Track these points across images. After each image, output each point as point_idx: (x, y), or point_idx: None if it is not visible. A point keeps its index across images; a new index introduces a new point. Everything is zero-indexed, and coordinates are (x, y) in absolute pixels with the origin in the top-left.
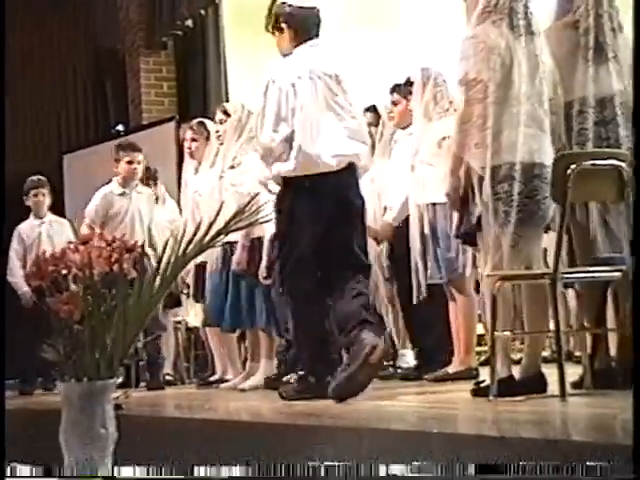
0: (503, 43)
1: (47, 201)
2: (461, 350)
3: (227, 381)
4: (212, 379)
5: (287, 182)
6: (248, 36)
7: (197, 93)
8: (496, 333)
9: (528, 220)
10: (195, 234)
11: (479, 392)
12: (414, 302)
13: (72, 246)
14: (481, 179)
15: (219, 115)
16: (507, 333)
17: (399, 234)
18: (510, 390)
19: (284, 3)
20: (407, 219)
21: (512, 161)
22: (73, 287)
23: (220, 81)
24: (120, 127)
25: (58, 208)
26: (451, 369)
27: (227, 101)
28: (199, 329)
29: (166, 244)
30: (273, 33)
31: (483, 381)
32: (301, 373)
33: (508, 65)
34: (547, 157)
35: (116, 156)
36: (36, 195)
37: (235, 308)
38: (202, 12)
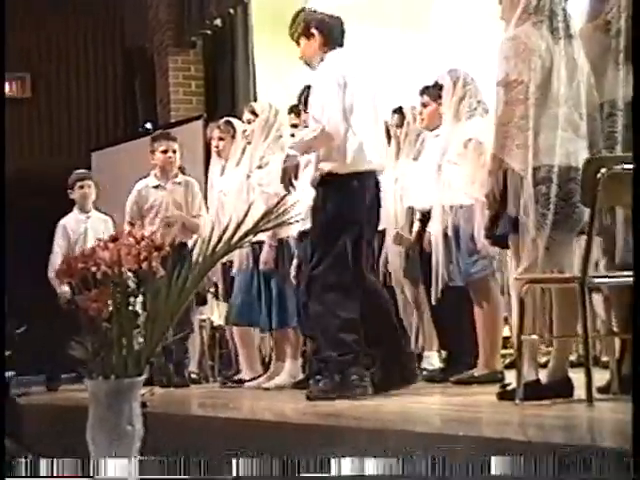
0: (543, 45)
1: (93, 195)
2: (486, 353)
3: (251, 380)
4: (236, 378)
5: (332, 180)
6: (277, 36)
7: (225, 92)
8: (523, 336)
9: (563, 223)
10: (224, 234)
11: (505, 395)
12: (433, 303)
13: (101, 244)
14: (520, 181)
15: (247, 115)
16: (534, 337)
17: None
18: (536, 394)
19: (314, 11)
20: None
21: (550, 163)
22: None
23: (248, 80)
24: (148, 125)
25: None
26: (476, 372)
27: (255, 100)
28: (224, 328)
29: (195, 243)
30: (298, 41)
31: (509, 384)
32: (326, 373)
33: (548, 67)
34: (581, 161)
35: (151, 147)
36: (82, 187)
37: (266, 307)
38: (231, 11)
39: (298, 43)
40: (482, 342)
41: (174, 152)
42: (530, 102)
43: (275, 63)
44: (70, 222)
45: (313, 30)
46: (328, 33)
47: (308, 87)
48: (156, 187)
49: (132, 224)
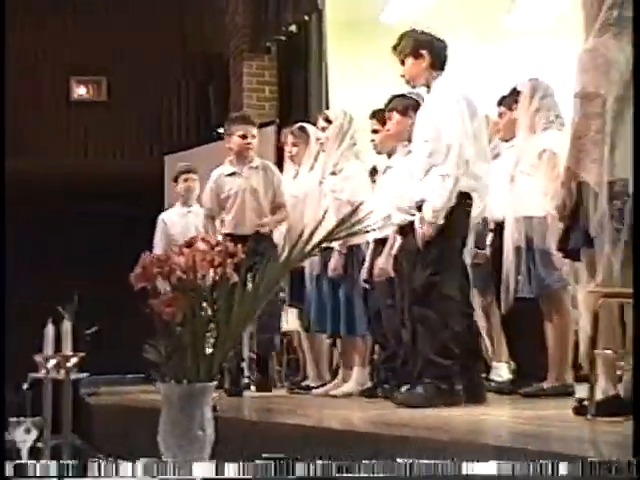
0: (623, 57)
1: (197, 189)
2: (556, 366)
3: (319, 387)
4: (304, 384)
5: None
6: (351, 45)
7: (298, 98)
8: (596, 351)
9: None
10: (298, 241)
11: (581, 410)
12: (503, 313)
13: (176, 249)
14: (595, 195)
15: (321, 122)
16: (608, 352)
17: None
18: (613, 409)
19: (422, 32)
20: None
21: (625, 178)
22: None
23: (321, 87)
24: (221, 130)
25: (158, 207)
26: (546, 384)
27: (327, 107)
28: (292, 333)
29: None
30: (404, 59)
31: (585, 399)
32: (428, 381)
33: (627, 80)
34: None
35: (228, 130)
36: (186, 180)
37: (334, 314)
38: (306, 18)
39: (403, 62)
40: (552, 355)
41: (253, 137)
42: (608, 115)
43: (348, 70)
44: (171, 216)
45: (423, 51)
46: (436, 55)
47: (397, 96)
48: (231, 174)
49: (211, 217)
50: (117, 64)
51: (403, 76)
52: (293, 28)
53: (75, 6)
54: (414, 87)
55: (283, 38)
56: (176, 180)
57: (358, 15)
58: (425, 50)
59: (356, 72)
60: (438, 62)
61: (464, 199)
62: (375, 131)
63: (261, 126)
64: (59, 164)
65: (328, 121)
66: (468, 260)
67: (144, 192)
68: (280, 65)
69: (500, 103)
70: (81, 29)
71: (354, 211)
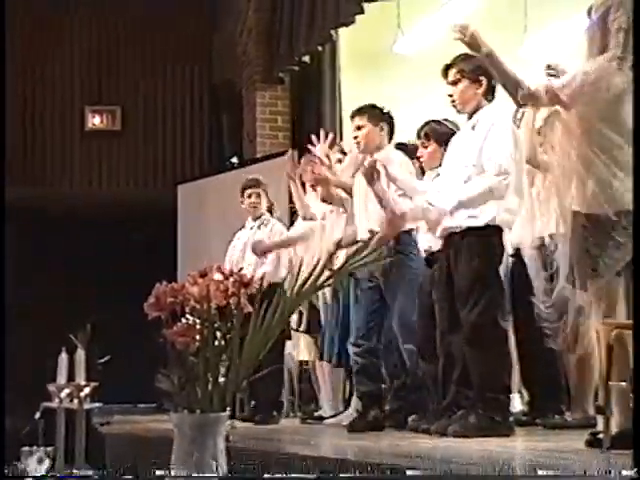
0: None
1: (263, 202)
2: (579, 397)
3: (332, 417)
4: (317, 414)
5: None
6: (365, 75)
7: (311, 129)
8: (611, 383)
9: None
10: (312, 272)
11: (594, 443)
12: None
13: (191, 279)
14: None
15: (336, 155)
16: (623, 383)
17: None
18: (626, 443)
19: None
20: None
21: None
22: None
23: (335, 118)
24: (234, 159)
25: (171, 236)
26: (569, 416)
27: (342, 139)
28: (305, 362)
29: (284, 281)
30: (457, 82)
31: (600, 432)
32: (479, 411)
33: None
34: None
35: (241, 197)
36: (250, 196)
37: (342, 344)
38: (319, 49)
39: (455, 83)
40: (575, 386)
41: (258, 196)
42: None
43: (362, 101)
44: (242, 233)
45: (481, 77)
46: (492, 84)
47: (434, 121)
48: (243, 228)
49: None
50: (131, 94)
51: (451, 96)
52: (306, 59)
53: (91, 37)
54: (459, 111)
55: (296, 68)
56: (242, 196)
57: (372, 46)
58: (484, 77)
59: (370, 102)
60: (491, 91)
61: (500, 231)
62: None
63: (275, 156)
64: (73, 193)
65: (343, 153)
66: None
67: (158, 221)
68: (293, 95)
69: None
70: (96, 60)
71: (367, 243)
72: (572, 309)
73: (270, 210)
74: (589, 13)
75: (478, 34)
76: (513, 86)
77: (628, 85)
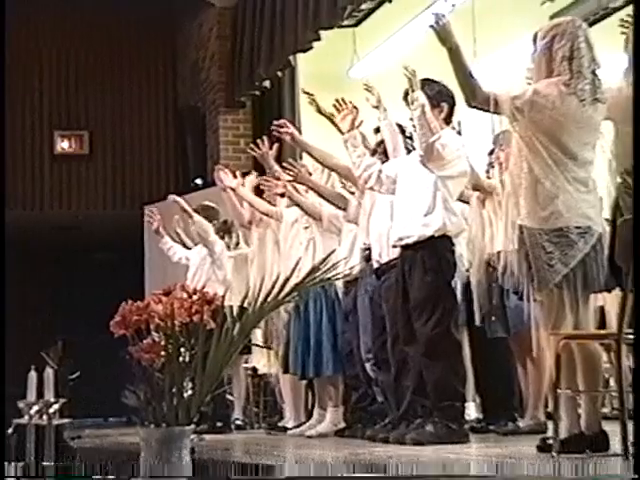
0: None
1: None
2: (532, 405)
3: (295, 427)
4: (280, 425)
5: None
6: (322, 99)
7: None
8: (559, 390)
9: (583, 282)
10: (272, 289)
11: (544, 448)
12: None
13: (155, 297)
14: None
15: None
16: (568, 391)
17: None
18: (575, 447)
19: (445, 86)
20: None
21: (568, 225)
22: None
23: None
24: (199, 181)
25: (139, 255)
26: (522, 423)
27: (301, 158)
28: (268, 375)
29: (244, 298)
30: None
31: (550, 437)
32: (435, 419)
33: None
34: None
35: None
36: None
37: (304, 356)
38: (279, 74)
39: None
40: (526, 394)
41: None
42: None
43: (320, 124)
44: (191, 253)
45: (443, 103)
46: (451, 111)
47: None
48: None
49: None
50: (98, 119)
51: (412, 120)
52: (267, 84)
53: (59, 65)
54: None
55: (257, 93)
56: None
57: (329, 71)
58: (445, 103)
59: (327, 127)
60: (450, 118)
61: (449, 239)
62: None
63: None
64: (42, 215)
65: (309, 173)
66: None
67: (125, 241)
68: (255, 119)
69: (494, 142)
70: (64, 86)
71: (325, 259)
72: (521, 320)
73: (223, 230)
74: (534, 40)
75: (450, 26)
76: (470, 87)
77: (575, 110)
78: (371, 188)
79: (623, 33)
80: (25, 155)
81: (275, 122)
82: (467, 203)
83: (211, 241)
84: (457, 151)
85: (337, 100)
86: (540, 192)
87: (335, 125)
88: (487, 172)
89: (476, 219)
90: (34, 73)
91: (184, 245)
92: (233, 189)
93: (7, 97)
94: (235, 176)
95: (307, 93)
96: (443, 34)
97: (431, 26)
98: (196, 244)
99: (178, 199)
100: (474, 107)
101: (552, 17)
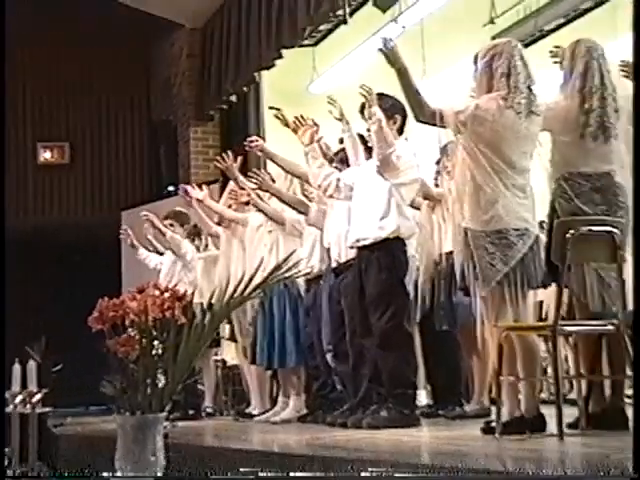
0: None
1: (179, 230)
2: (477, 391)
3: (261, 414)
4: (247, 412)
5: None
6: (285, 112)
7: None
8: (502, 377)
9: (522, 280)
10: (238, 286)
11: (488, 430)
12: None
13: (130, 294)
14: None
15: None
16: (511, 378)
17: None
18: (515, 429)
19: (397, 100)
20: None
21: (507, 227)
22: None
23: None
24: (171, 188)
25: (116, 256)
26: (468, 408)
27: (265, 168)
28: (236, 366)
29: (212, 295)
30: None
31: (493, 421)
32: (389, 405)
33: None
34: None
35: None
36: (171, 225)
37: (269, 348)
38: (245, 89)
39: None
40: (472, 381)
41: (172, 225)
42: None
43: (282, 135)
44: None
45: (397, 115)
46: (403, 122)
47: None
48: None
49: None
50: (78, 131)
51: (369, 130)
52: (233, 98)
53: (41, 80)
54: None
55: (225, 107)
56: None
57: (290, 86)
58: (398, 115)
59: (289, 137)
60: (402, 128)
61: (402, 241)
62: None
63: (208, 183)
64: (25, 221)
65: (272, 180)
66: None
67: (104, 243)
68: (223, 130)
69: (442, 152)
70: (47, 101)
71: (286, 259)
72: (467, 314)
73: (193, 233)
74: (475, 60)
75: (397, 49)
76: (418, 104)
77: (513, 122)
78: (330, 196)
79: (555, 61)
80: (10, 164)
81: (247, 139)
82: (418, 209)
83: (183, 253)
84: (409, 161)
85: (296, 117)
86: (482, 198)
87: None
88: (435, 180)
89: (426, 225)
90: (18, 90)
91: (157, 251)
92: (200, 201)
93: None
94: (201, 189)
95: (274, 108)
96: (391, 57)
97: (380, 49)
98: (166, 249)
99: (151, 217)
100: (422, 122)
101: (493, 38)
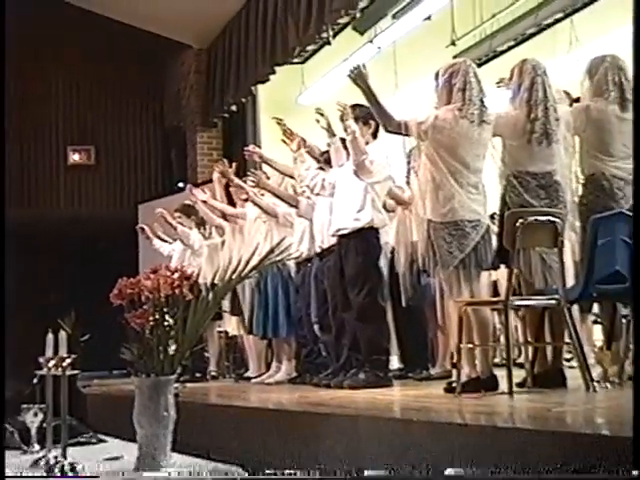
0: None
1: (187, 222)
2: (441, 357)
3: (257, 377)
4: (246, 375)
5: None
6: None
7: (238, 160)
8: (462, 345)
9: (476, 263)
10: (237, 267)
11: (449, 389)
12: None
13: (145, 275)
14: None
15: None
16: (470, 345)
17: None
18: (472, 388)
19: None
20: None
21: (461, 218)
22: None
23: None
24: (180, 184)
25: (134, 243)
26: (433, 371)
27: (260, 168)
28: (236, 336)
29: (215, 273)
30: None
31: (454, 381)
32: (366, 369)
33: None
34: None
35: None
36: (180, 217)
37: (265, 321)
38: (243, 100)
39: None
40: (437, 348)
41: (180, 217)
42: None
43: (274, 138)
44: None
45: (371, 121)
46: (378, 126)
47: None
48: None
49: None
50: (102, 137)
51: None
52: (234, 108)
53: (71, 93)
54: None
55: (226, 115)
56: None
57: (282, 98)
58: (372, 120)
59: (280, 141)
60: (376, 133)
61: (376, 230)
62: None
63: (211, 181)
64: (58, 213)
65: (267, 178)
66: None
67: (122, 232)
68: (224, 135)
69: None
70: (76, 110)
71: (278, 244)
72: (430, 291)
73: (200, 223)
74: (436, 77)
75: (363, 74)
76: (385, 118)
77: (467, 129)
78: (317, 194)
79: (499, 86)
80: (45, 165)
81: (245, 148)
82: (392, 212)
83: (191, 243)
84: (382, 162)
85: (285, 131)
86: (440, 195)
87: None
88: (407, 177)
89: (401, 225)
90: (51, 100)
91: (168, 241)
92: (205, 202)
93: (6, 100)
94: (205, 192)
95: (277, 118)
96: (358, 80)
97: (348, 75)
98: (175, 240)
99: (164, 214)
100: (390, 132)
101: (454, 57)
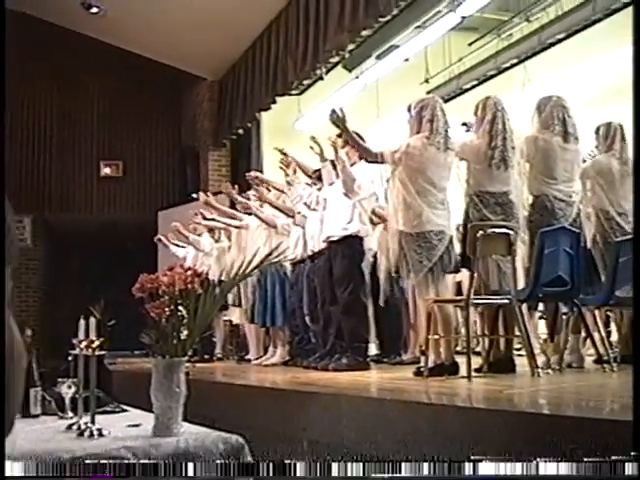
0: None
1: (200, 227)
2: (411, 344)
3: (256, 359)
4: (246, 357)
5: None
6: (278, 142)
7: (243, 175)
8: (429, 336)
9: (441, 269)
10: (240, 267)
11: (418, 373)
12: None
13: (162, 272)
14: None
15: (265, 191)
16: (436, 336)
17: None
18: (437, 372)
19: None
20: None
21: (430, 229)
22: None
23: (259, 168)
24: (194, 195)
25: (154, 245)
26: (405, 357)
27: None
28: (239, 324)
29: (221, 274)
30: (343, 147)
31: (422, 366)
32: (348, 354)
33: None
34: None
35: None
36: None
37: (264, 311)
38: (249, 124)
39: (342, 147)
40: (409, 338)
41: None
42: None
43: (274, 159)
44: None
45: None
46: None
47: None
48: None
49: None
50: (129, 153)
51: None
52: (240, 131)
53: (104, 114)
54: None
55: (234, 137)
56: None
57: (281, 123)
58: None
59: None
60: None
61: (360, 238)
62: None
63: (220, 193)
64: (91, 218)
65: (268, 190)
66: None
67: (145, 235)
68: (232, 154)
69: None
70: (108, 129)
71: (275, 248)
72: (405, 291)
73: (210, 229)
74: (409, 109)
75: (341, 118)
76: (363, 151)
77: (434, 155)
78: (314, 209)
79: (462, 124)
80: (80, 176)
81: (247, 174)
82: (377, 225)
83: (201, 248)
84: (366, 181)
85: (281, 159)
86: (410, 212)
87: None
88: (385, 194)
89: (382, 238)
90: (88, 121)
91: (182, 246)
92: (213, 219)
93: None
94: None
95: (280, 150)
96: (338, 123)
97: (329, 118)
98: (188, 245)
99: (179, 226)
100: (369, 162)
101: (428, 92)
